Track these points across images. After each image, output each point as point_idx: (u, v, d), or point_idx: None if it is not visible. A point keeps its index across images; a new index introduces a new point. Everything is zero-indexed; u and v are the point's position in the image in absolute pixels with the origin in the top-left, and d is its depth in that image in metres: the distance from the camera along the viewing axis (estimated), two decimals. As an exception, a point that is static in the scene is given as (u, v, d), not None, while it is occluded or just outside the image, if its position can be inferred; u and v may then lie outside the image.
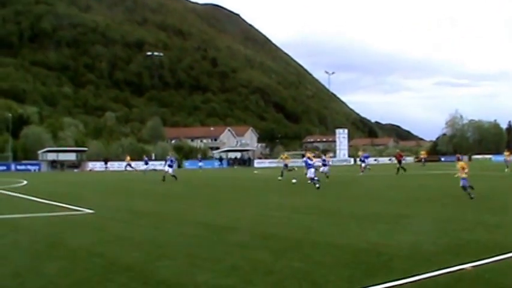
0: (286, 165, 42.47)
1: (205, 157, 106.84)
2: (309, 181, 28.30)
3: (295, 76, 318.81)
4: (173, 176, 38.05)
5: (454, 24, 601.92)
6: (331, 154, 59.23)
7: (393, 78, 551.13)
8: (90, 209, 17.19)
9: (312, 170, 28.33)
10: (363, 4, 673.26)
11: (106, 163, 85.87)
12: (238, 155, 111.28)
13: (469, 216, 15.51)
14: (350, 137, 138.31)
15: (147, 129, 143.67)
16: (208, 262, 9.13)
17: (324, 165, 38.53)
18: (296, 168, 44.72)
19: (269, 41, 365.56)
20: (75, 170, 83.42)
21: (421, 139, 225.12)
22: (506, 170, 46.76)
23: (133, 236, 12.20)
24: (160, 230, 13.42)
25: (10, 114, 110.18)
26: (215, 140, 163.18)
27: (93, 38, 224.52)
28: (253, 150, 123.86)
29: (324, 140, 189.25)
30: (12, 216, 15.86)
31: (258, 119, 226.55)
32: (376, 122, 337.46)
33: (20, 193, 25.52)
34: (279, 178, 37.81)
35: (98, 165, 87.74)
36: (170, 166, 38.99)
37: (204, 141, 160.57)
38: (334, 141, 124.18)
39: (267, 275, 8.15)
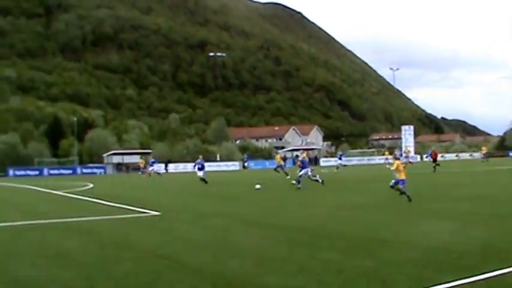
0: (280, 167, 42.13)
1: (269, 157, 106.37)
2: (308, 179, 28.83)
3: (360, 73, 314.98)
4: (202, 179, 36.59)
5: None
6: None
7: (457, 73, 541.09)
8: (156, 211, 17.22)
9: (307, 170, 28.50)
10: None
11: (166, 165, 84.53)
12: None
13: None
14: (416, 134, 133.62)
15: (212, 130, 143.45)
16: (276, 262, 9.10)
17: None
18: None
19: (333, 38, 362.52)
20: (140, 173, 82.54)
21: (488, 134, 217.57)
22: None
23: (200, 237, 12.25)
24: (227, 231, 13.33)
25: (75, 118, 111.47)
26: (280, 139, 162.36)
27: (155, 40, 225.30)
28: (319, 149, 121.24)
29: (390, 137, 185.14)
30: (80, 219, 15.98)
31: (323, 118, 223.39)
32: (442, 118, 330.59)
33: (86, 196, 25.62)
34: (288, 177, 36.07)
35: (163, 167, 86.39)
36: (200, 169, 37.28)
37: (269, 140, 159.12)
38: (400, 139, 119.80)
39: (336, 275, 8.06)
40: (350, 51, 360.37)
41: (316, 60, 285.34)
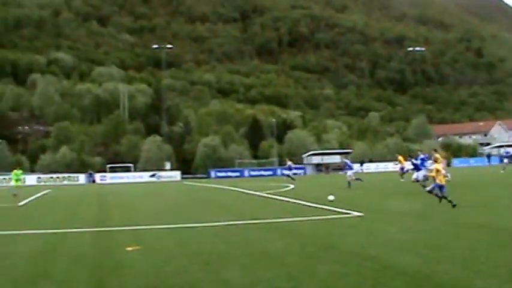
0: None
1: (474, 154, 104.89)
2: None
3: None
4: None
5: None
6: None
7: None
8: (359, 212, 16.97)
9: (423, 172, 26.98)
10: None
11: (362, 165, 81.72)
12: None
13: None
14: None
15: (413, 127, 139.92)
16: (487, 266, 8.62)
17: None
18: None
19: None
20: (340, 173, 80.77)
21: None
22: None
23: (406, 239, 12.00)
24: (433, 233, 12.93)
25: (274, 120, 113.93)
26: (485, 135, 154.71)
27: (351, 38, 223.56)
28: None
29: None
30: (282, 220, 16.19)
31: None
32: None
33: (287, 197, 25.64)
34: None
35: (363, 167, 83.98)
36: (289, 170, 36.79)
37: (473, 137, 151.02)
38: None
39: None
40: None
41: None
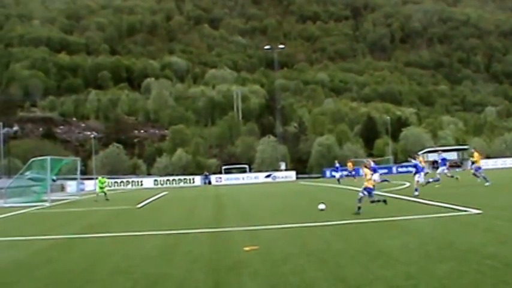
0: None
1: None
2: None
3: None
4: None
5: None
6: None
7: None
8: (477, 209, 16.43)
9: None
10: None
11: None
12: None
13: None
14: None
15: None
16: None
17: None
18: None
19: None
20: (457, 170, 78.48)
21: None
22: None
23: None
24: None
25: (388, 117, 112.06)
26: None
27: (465, 32, 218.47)
28: None
29: None
30: (399, 218, 16.00)
31: None
32: None
33: (404, 195, 25.22)
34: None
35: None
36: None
37: None
38: None
39: None
40: None
41: None
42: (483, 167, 32.84)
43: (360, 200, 18.44)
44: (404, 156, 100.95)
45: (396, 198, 24.29)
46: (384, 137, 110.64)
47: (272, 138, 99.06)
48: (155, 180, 76.44)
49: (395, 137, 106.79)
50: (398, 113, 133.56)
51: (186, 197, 35.90)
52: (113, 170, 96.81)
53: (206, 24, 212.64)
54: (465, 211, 16.46)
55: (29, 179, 43.29)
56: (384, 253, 10.08)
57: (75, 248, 13.16)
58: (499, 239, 11.12)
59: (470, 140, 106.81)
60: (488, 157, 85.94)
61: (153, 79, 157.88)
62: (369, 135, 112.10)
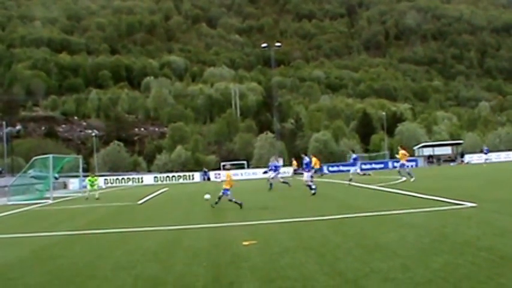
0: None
1: None
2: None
3: None
4: (284, 182, 33.93)
5: None
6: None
7: None
8: (472, 202, 16.37)
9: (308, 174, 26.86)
10: None
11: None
12: None
13: None
14: None
15: None
16: None
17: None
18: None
19: None
20: (451, 164, 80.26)
21: None
22: None
23: None
24: None
25: (384, 113, 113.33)
26: None
27: (458, 28, 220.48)
28: None
29: None
30: (395, 212, 15.89)
31: None
32: None
33: (399, 189, 24.90)
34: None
35: (475, 158, 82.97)
36: (274, 171, 34.04)
37: None
38: None
39: None
40: None
41: None
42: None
43: (219, 198, 20.36)
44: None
45: (392, 192, 24.39)
46: (379, 133, 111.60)
47: (270, 134, 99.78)
48: (155, 176, 76.48)
49: (390, 132, 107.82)
50: (394, 108, 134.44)
51: (186, 193, 35.43)
52: (114, 167, 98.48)
53: (204, 23, 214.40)
54: (460, 204, 16.43)
55: (32, 177, 44.35)
56: (381, 246, 10.22)
57: (77, 244, 13.35)
58: (493, 231, 11.22)
59: (464, 135, 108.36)
60: (482, 151, 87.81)
61: (152, 78, 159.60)
62: (365, 130, 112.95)
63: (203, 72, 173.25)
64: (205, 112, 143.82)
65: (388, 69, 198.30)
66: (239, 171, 76.20)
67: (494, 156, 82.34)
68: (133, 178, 74.78)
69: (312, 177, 27.77)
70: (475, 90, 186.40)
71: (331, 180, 43.09)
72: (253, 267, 8.92)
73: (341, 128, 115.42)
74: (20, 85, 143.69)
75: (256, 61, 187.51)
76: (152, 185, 66.01)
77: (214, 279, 8.27)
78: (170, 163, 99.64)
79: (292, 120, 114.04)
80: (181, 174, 77.16)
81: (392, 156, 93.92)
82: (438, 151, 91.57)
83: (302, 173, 31.81)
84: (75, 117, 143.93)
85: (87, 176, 39.64)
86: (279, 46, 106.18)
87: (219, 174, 78.98)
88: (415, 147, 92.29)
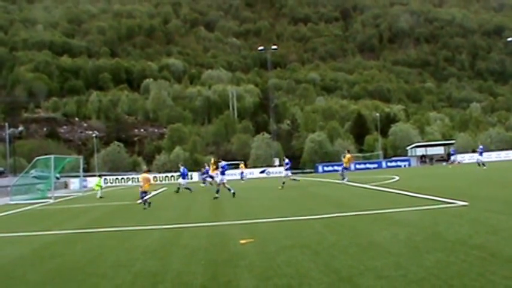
0: (212, 177, 39.42)
1: None
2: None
3: None
4: (187, 188, 35.30)
5: None
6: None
7: None
8: (464, 201, 16.43)
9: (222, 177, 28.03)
10: None
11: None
12: None
13: None
14: None
15: None
16: None
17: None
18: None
19: None
20: (444, 164, 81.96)
21: None
22: None
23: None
24: None
25: (378, 114, 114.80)
26: None
27: (450, 31, 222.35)
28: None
29: None
30: (388, 210, 15.90)
31: None
32: None
33: (393, 188, 25.41)
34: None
35: (466, 158, 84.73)
36: (183, 177, 36.51)
37: None
38: None
39: None
40: None
41: None
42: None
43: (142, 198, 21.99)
44: (393, 151, 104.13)
45: (385, 191, 24.55)
46: (373, 133, 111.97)
47: (266, 135, 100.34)
48: (154, 176, 74.30)
49: (384, 133, 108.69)
50: (387, 109, 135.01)
51: (184, 193, 34.84)
52: (114, 168, 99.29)
53: (202, 27, 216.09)
54: (452, 203, 16.47)
55: (34, 177, 45.17)
56: (375, 244, 10.26)
57: (78, 242, 13.45)
58: (485, 230, 11.25)
59: (456, 135, 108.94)
60: (473, 151, 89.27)
61: (151, 80, 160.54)
62: (359, 131, 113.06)
63: (201, 75, 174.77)
64: (203, 113, 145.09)
65: (382, 71, 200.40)
66: (236, 171, 75.23)
67: (486, 156, 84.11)
68: (132, 178, 74.82)
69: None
70: (467, 92, 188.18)
71: (327, 180, 42.80)
72: (250, 265, 9.03)
73: (336, 128, 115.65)
74: (22, 87, 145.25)
75: (253, 63, 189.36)
76: (151, 184, 65.25)
77: (212, 277, 8.37)
78: (169, 163, 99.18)
79: (288, 121, 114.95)
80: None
81: (386, 156, 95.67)
82: (431, 151, 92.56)
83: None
84: (76, 119, 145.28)
85: (100, 176, 39.64)
86: (275, 49, 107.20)
87: (217, 173, 78.27)
88: (408, 147, 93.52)
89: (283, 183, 33.77)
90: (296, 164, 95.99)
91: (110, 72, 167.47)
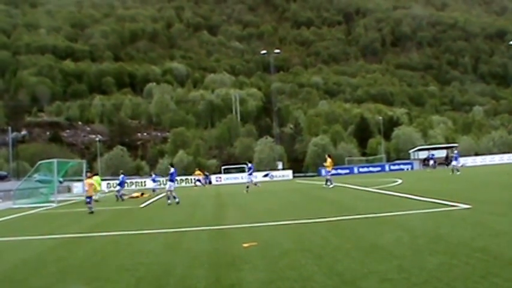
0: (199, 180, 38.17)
1: None
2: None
3: None
4: (119, 196, 36.03)
5: None
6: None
7: None
8: (467, 204, 16.49)
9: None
10: None
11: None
12: None
13: None
14: None
15: None
16: None
17: None
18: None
19: None
20: (446, 167, 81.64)
21: None
22: None
23: None
24: None
25: (381, 117, 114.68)
26: None
27: (453, 35, 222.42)
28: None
29: None
30: (391, 213, 15.99)
31: None
32: None
33: (396, 192, 25.54)
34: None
35: (469, 161, 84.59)
36: (121, 186, 37.09)
37: None
38: None
39: None
40: None
41: None
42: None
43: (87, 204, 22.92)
44: (396, 154, 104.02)
45: (388, 194, 24.58)
46: (376, 137, 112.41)
47: (269, 139, 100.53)
48: (158, 180, 75.85)
49: (387, 137, 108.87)
50: (390, 113, 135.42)
51: (187, 197, 35.30)
52: (117, 172, 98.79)
53: (205, 31, 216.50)
54: (455, 206, 16.42)
55: (37, 181, 45.46)
56: (378, 248, 10.24)
57: (82, 246, 13.49)
58: (487, 232, 11.20)
59: (459, 139, 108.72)
60: (476, 154, 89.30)
61: (154, 84, 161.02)
62: (362, 135, 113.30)
63: (204, 79, 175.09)
64: (207, 117, 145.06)
65: (385, 75, 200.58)
66: (239, 175, 75.79)
67: (489, 159, 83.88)
68: (136, 182, 74.73)
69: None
70: (470, 95, 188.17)
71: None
72: (253, 269, 9.02)
73: (339, 132, 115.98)
74: (26, 91, 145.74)
75: (256, 67, 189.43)
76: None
77: (215, 281, 8.37)
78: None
79: (291, 125, 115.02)
80: (183, 177, 75.71)
81: (389, 159, 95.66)
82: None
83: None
84: (79, 123, 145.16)
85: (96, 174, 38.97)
86: (278, 53, 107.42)
87: (220, 177, 78.98)
88: (410, 151, 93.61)
89: (247, 187, 34.75)
90: (299, 167, 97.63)
91: (113, 76, 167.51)
